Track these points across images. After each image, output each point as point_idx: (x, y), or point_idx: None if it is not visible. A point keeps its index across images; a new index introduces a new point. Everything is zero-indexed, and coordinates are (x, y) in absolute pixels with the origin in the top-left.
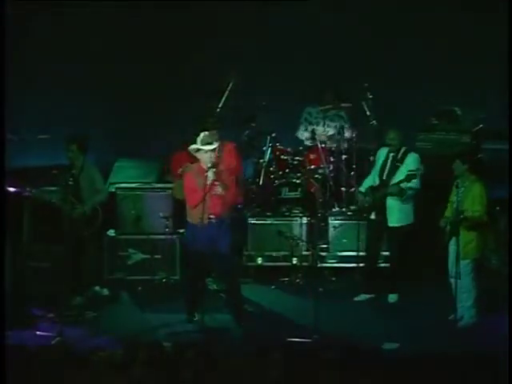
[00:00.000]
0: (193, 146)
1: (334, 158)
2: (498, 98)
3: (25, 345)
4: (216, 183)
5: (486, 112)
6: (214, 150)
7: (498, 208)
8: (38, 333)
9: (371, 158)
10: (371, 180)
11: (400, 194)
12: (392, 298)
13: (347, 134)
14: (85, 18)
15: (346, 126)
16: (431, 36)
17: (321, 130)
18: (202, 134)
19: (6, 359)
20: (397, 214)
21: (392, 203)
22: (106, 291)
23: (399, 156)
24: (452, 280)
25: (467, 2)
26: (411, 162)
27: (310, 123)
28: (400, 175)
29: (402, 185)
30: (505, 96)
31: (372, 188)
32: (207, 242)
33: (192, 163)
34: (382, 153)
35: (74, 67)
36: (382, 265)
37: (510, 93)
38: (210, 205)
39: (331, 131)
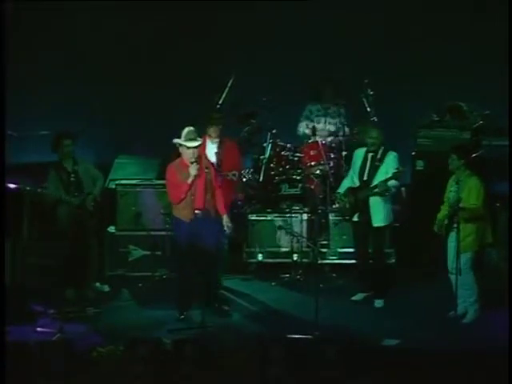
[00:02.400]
0: (176, 140)
1: (334, 154)
2: (499, 94)
3: (25, 341)
4: (201, 178)
5: (488, 108)
6: (196, 147)
7: (498, 204)
8: (38, 329)
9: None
10: (349, 181)
11: (385, 192)
12: (378, 303)
13: (347, 131)
14: (85, 15)
15: (346, 122)
16: (432, 33)
17: (321, 127)
18: (186, 129)
19: (6, 355)
20: (381, 213)
21: (375, 203)
22: (106, 287)
23: (378, 156)
24: (452, 276)
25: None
26: (391, 160)
27: (311, 120)
28: (381, 174)
29: (389, 183)
30: (505, 92)
31: (352, 189)
32: (194, 237)
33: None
34: (360, 153)
35: (74, 65)
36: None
37: (510, 89)
38: (196, 200)
39: (331, 128)
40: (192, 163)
